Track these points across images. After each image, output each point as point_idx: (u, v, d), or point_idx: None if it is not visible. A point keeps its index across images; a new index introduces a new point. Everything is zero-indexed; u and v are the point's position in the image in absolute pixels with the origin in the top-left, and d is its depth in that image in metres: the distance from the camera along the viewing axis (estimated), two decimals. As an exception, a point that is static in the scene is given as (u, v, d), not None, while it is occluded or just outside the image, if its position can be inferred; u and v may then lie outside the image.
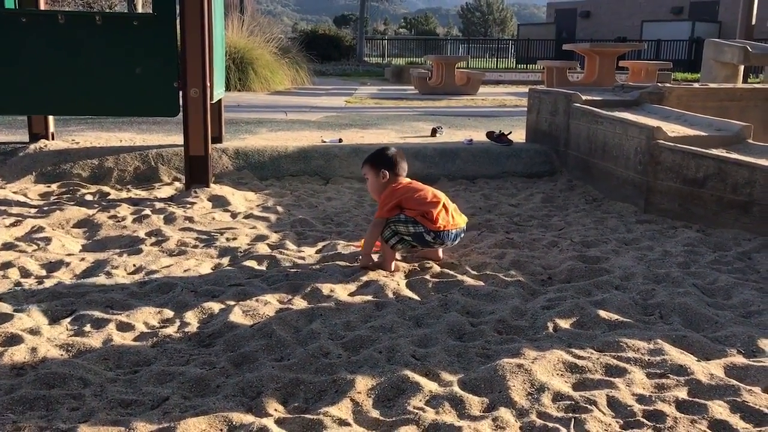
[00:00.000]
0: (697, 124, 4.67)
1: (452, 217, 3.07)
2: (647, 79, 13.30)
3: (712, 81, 8.14)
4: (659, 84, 5.96)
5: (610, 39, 28.53)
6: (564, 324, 2.42)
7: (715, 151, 3.97)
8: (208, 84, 4.36)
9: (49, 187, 4.69)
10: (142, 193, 4.58)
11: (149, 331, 2.38)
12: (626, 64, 15.20)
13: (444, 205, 3.06)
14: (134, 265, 3.09)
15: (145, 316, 2.50)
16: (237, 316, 2.46)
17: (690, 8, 32.08)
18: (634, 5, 33.58)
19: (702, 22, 30.09)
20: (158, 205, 4.20)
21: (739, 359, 2.15)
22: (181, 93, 4.32)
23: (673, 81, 14.99)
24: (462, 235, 3.17)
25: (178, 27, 4.28)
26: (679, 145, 4.06)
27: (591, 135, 4.98)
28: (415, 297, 2.72)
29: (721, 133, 4.40)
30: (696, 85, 6.24)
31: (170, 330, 2.38)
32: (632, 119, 4.58)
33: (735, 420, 1.80)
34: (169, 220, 3.88)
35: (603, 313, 2.49)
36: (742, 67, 8.59)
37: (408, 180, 3.20)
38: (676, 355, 2.15)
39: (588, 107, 5.14)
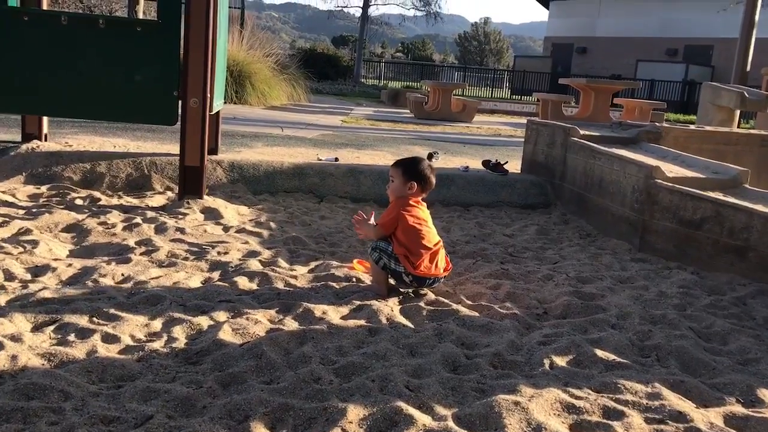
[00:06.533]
0: (695, 166, 4.68)
1: (435, 266, 3.06)
2: (640, 117, 13.41)
3: (708, 124, 8.21)
4: (657, 124, 5.99)
5: (605, 76, 28.85)
6: (560, 361, 2.37)
7: (712, 194, 3.97)
8: (209, 95, 4.31)
9: (38, 188, 4.60)
10: (134, 201, 4.51)
11: (135, 344, 2.30)
12: (620, 102, 15.33)
13: (432, 254, 3.04)
14: (122, 275, 3.01)
15: (132, 329, 2.42)
16: (226, 334, 2.39)
17: (684, 51, 32.54)
18: (630, 44, 34.01)
19: (696, 65, 30.51)
20: (149, 214, 4.13)
21: (739, 408, 2.11)
22: (180, 102, 4.28)
23: (665, 121, 15.12)
24: (441, 281, 3.14)
25: (182, 35, 4.25)
26: (677, 186, 4.06)
27: (588, 170, 4.98)
28: (409, 324, 2.66)
29: (718, 176, 4.41)
30: (692, 126, 6.28)
31: (157, 344, 2.31)
32: (631, 157, 4.58)
33: (735, 472, 1.75)
34: (160, 230, 3.81)
35: (600, 353, 2.45)
36: (737, 112, 8.67)
37: (424, 205, 3.16)
38: (674, 400, 2.10)
39: (586, 142, 5.14)
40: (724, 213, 3.75)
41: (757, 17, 12.48)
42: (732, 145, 5.73)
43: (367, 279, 3.19)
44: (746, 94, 8.26)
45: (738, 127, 9.64)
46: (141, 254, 3.35)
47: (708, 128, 6.13)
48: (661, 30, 33.30)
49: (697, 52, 31.78)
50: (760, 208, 3.69)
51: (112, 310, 2.55)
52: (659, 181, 4.14)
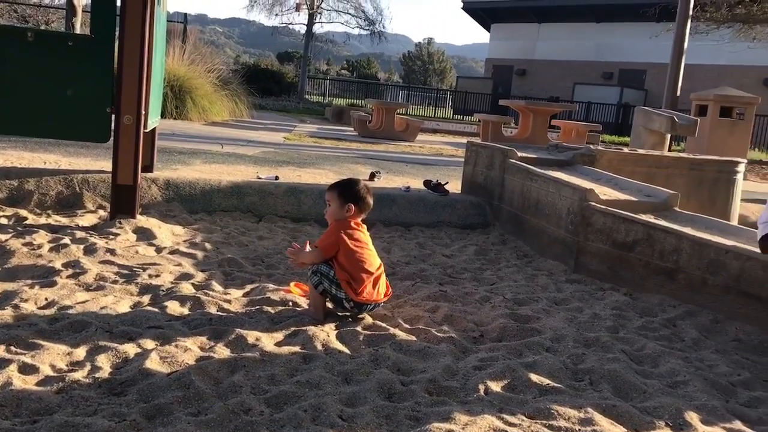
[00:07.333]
0: (627, 189, 4.81)
1: (377, 291, 3.02)
2: (577, 138, 13.77)
3: (641, 147, 8.47)
4: (591, 146, 6.14)
5: (544, 98, 29.57)
6: (495, 387, 2.37)
7: (644, 217, 4.07)
8: (143, 112, 4.20)
9: (-41, 206, 4.39)
10: (63, 220, 4.34)
11: (55, 375, 2.19)
12: (558, 123, 15.72)
13: (375, 279, 3.01)
14: (46, 299, 2.88)
15: (53, 358, 2.31)
16: (153, 363, 2.30)
17: (619, 75, 33.68)
18: (567, 68, 35.01)
19: (630, 88, 31.61)
20: (79, 234, 3.98)
21: (667, 432, 2.14)
22: (113, 118, 4.15)
23: (601, 143, 15.59)
24: (380, 305, 3.11)
25: (116, 50, 4.13)
26: (610, 209, 4.15)
27: (525, 191, 5.05)
28: (345, 350, 2.62)
29: (649, 200, 4.54)
30: (626, 150, 6.46)
31: (79, 375, 2.20)
32: (566, 179, 4.67)
33: (664, 498, 1.77)
34: (90, 251, 3.67)
35: (534, 377, 2.46)
36: (668, 136, 8.99)
37: (364, 228, 3.12)
38: (606, 426, 2.12)
39: (523, 164, 5.22)
40: (655, 236, 3.85)
41: (685, 45, 13.01)
42: (663, 168, 5.92)
43: (304, 303, 3.14)
44: (676, 119, 8.57)
45: (669, 150, 9.99)
46: (67, 277, 3.21)
47: (640, 151, 6.32)
48: (597, 54, 34.43)
49: (631, 76, 32.94)
50: (688, 231, 3.81)
51: (32, 338, 2.43)
52: (593, 203, 4.23)
